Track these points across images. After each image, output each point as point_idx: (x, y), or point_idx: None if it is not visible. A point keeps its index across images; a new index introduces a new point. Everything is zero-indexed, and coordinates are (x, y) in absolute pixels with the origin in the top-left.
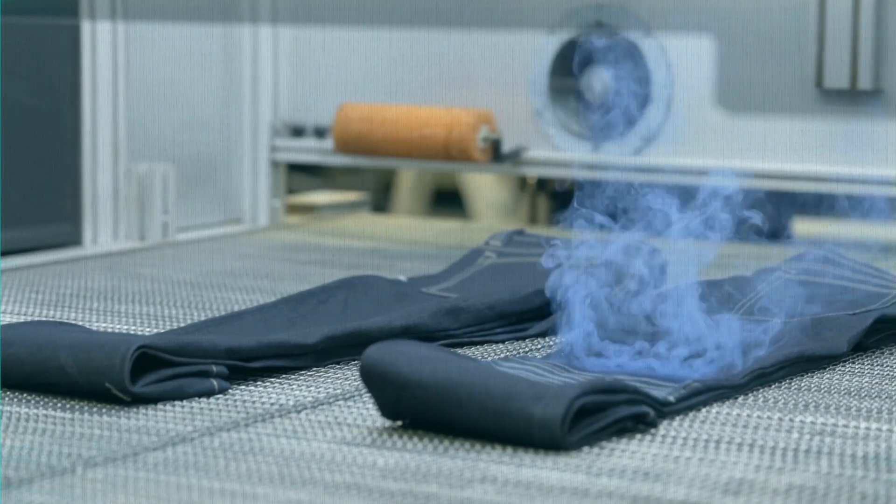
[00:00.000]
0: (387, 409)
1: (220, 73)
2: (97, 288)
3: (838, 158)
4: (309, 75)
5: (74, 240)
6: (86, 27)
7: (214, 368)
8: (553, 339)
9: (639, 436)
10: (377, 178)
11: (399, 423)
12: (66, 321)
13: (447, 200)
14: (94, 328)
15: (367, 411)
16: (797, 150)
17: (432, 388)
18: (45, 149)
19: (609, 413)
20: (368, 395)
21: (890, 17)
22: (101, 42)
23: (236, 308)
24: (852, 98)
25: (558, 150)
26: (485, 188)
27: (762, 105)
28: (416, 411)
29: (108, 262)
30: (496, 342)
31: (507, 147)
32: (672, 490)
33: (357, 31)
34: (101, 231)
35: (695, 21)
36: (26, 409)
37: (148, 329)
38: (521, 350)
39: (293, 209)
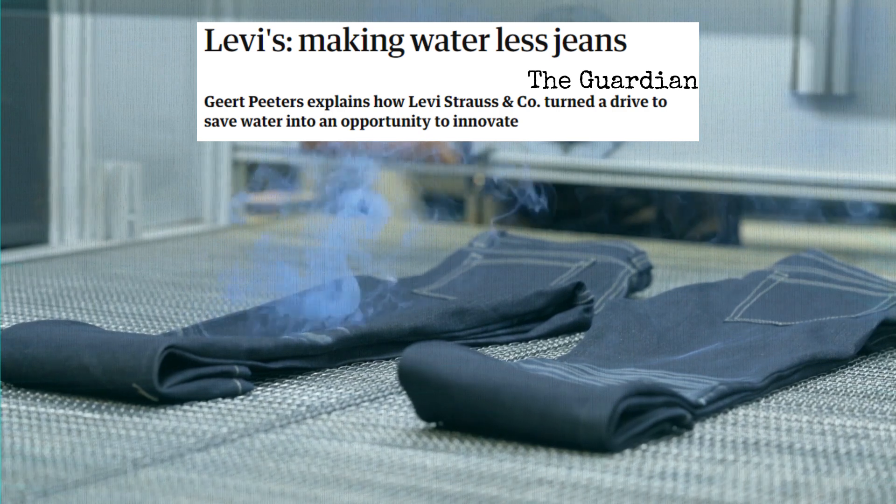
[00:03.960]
0: (424, 411)
1: (183, 72)
2: (77, 287)
3: (811, 162)
4: None
5: (41, 238)
6: (54, 21)
7: (237, 369)
8: (556, 340)
9: (675, 438)
10: None
11: (434, 424)
12: (77, 321)
13: None
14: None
15: (395, 412)
16: (770, 153)
17: (474, 390)
18: (12, 146)
19: (650, 415)
20: (403, 395)
21: (864, 22)
22: (69, 38)
23: (226, 308)
24: (827, 102)
25: (528, 152)
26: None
27: (734, 107)
28: (456, 413)
29: (78, 260)
30: (500, 343)
31: (476, 149)
32: (730, 493)
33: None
34: (68, 229)
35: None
36: (52, 410)
37: (146, 329)
38: (526, 352)
39: (248, 209)
